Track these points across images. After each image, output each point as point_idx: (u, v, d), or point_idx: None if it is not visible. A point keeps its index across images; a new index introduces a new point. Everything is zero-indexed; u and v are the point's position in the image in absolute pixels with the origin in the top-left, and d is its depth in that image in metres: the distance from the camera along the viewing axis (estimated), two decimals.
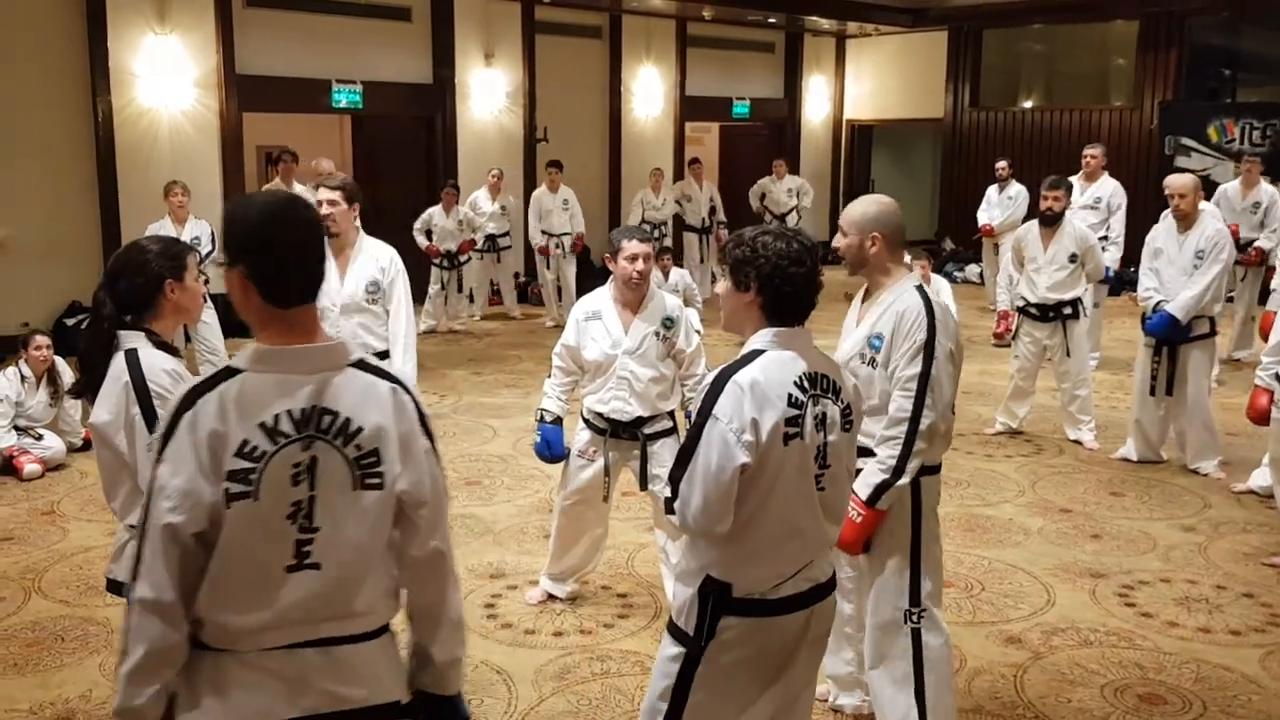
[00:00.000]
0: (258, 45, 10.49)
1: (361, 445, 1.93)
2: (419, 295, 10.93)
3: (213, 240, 8.13)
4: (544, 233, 11.14)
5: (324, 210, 4.52)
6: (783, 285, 2.47)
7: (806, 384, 2.46)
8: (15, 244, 8.81)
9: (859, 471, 3.13)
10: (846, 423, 2.56)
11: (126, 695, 1.88)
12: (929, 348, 3.15)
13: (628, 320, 4.32)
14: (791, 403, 2.43)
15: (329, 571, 1.94)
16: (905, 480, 3.19)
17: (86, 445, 6.61)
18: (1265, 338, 5.58)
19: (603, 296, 4.40)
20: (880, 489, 3.20)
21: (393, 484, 1.98)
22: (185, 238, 7.76)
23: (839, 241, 3.35)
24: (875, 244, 3.27)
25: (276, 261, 1.91)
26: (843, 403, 2.55)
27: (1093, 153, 9.03)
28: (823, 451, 2.50)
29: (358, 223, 4.75)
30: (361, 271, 4.68)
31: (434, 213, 10.56)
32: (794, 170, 14.22)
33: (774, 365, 2.46)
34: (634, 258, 4.23)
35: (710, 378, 2.47)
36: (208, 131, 10.24)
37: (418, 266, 10.53)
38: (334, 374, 1.94)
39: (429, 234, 10.54)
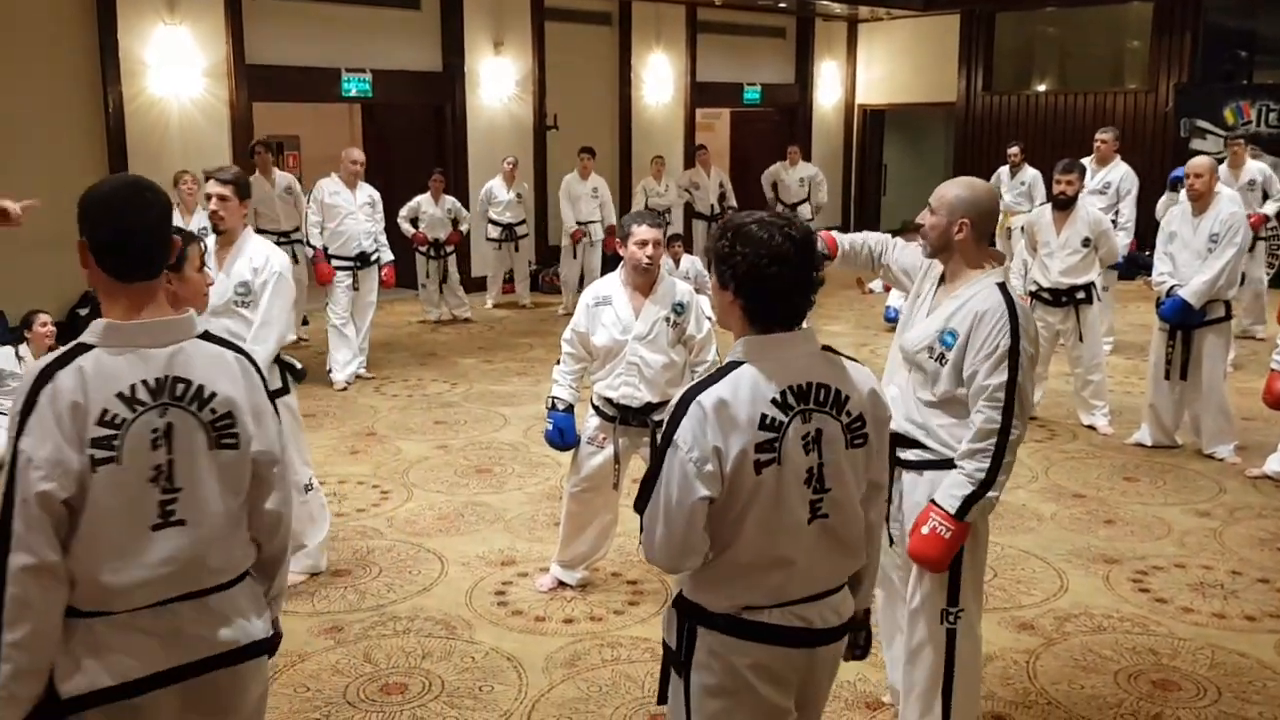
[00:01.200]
0: (267, 35, 10.48)
1: (215, 410, 2.10)
2: (409, 285, 10.96)
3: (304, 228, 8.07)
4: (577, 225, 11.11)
5: (211, 205, 4.40)
6: (761, 286, 2.18)
7: (791, 399, 2.18)
8: (31, 227, 8.82)
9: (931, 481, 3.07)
10: (856, 438, 2.26)
11: (16, 665, 1.95)
12: (1014, 355, 2.93)
13: (638, 305, 4.28)
14: (765, 425, 2.15)
15: (194, 528, 2.09)
16: (996, 494, 2.99)
17: None
18: None
19: (613, 282, 4.36)
20: (969, 501, 2.97)
21: (247, 445, 2.15)
22: (194, 227, 7.75)
23: (924, 218, 3.14)
24: (963, 230, 3.06)
25: (113, 233, 2.06)
26: (849, 415, 2.24)
27: (1104, 137, 8.94)
28: (817, 474, 2.22)
29: (248, 220, 4.62)
30: (235, 271, 4.43)
31: (421, 201, 10.50)
32: (806, 157, 14.14)
33: (747, 381, 2.18)
34: (644, 243, 4.18)
35: (677, 396, 2.23)
36: (218, 121, 10.24)
37: (408, 255, 10.56)
38: (184, 344, 2.10)
39: (415, 222, 10.47)
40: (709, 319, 4.55)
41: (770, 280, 2.16)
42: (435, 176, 10.63)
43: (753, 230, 2.17)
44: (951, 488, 2.99)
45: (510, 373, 8.67)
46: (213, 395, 2.10)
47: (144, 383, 2.03)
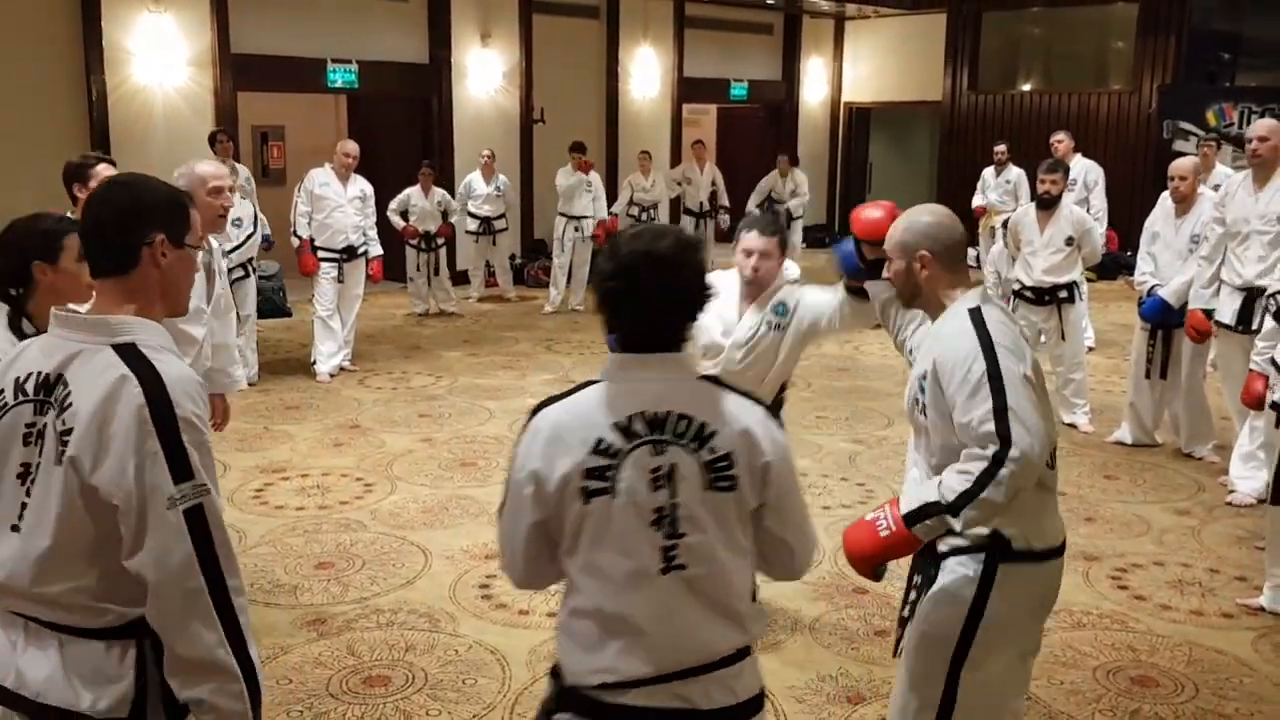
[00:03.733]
0: (253, 24, 10.42)
1: (65, 421, 1.85)
2: (399, 278, 10.94)
3: (256, 223, 7.84)
4: (562, 215, 11.08)
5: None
6: (611, 302, 1.99)
7: (640, 426, 1.93)
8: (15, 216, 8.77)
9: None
10: (721, 480, 1.94)
11: None
12: (994, 377, 2.44)
13: (745, 308, 3.94)
14: (599, 449, 1.92)
15: (27, 540, 1.88)
16: (957, 522, 2.46)
17: None
18: None
19: (731, 277, 3.93)
20: (925, 511, 2.49)
21: (81, 471, 1.83)
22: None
23: (887, 271, 2.81)
24: (926, 266, 2.65)
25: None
26: (712, 452, 1.94)
27: (1058, 138, 9.46)
28: (668, 517, 1.92)
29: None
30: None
31: (411, 193, 10.48)
32: (792, 153, 14.14)
33: (591, 401, 1.98)
34: (748, 253, 3.82)
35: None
36: (202, 111, 10.19)
37: (398, 248, 10.53)
38: (87, 348, 1.89)
39: (405, 215, 10.45)
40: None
41: (615, 296, 1.97)
42: (424, 169, 10.60)
43: (618, 242, 2.01)
44: (919, 488, 2.58)
45: (495, 366, 8.66)
46: (69, 405, 1.86)
47: (35, 374, 1.92)
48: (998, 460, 2.39)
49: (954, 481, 2.46)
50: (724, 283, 3.82)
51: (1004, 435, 2.39)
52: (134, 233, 1.94)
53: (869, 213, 3.24)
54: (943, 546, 2.61)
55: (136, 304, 1.95)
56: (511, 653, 4.02)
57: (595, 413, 1.96)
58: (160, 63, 9.84)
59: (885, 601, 4.46)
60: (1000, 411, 2.41)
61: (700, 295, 1.99)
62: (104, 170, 4.42)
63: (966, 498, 2.43)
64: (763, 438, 1.99)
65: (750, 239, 3.83)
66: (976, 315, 2.56)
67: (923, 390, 2.61)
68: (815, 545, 2.16)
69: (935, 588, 2.63)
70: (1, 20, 8.98)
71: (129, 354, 1.88)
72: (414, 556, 4.91)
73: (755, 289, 3.90)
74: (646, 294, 1.95)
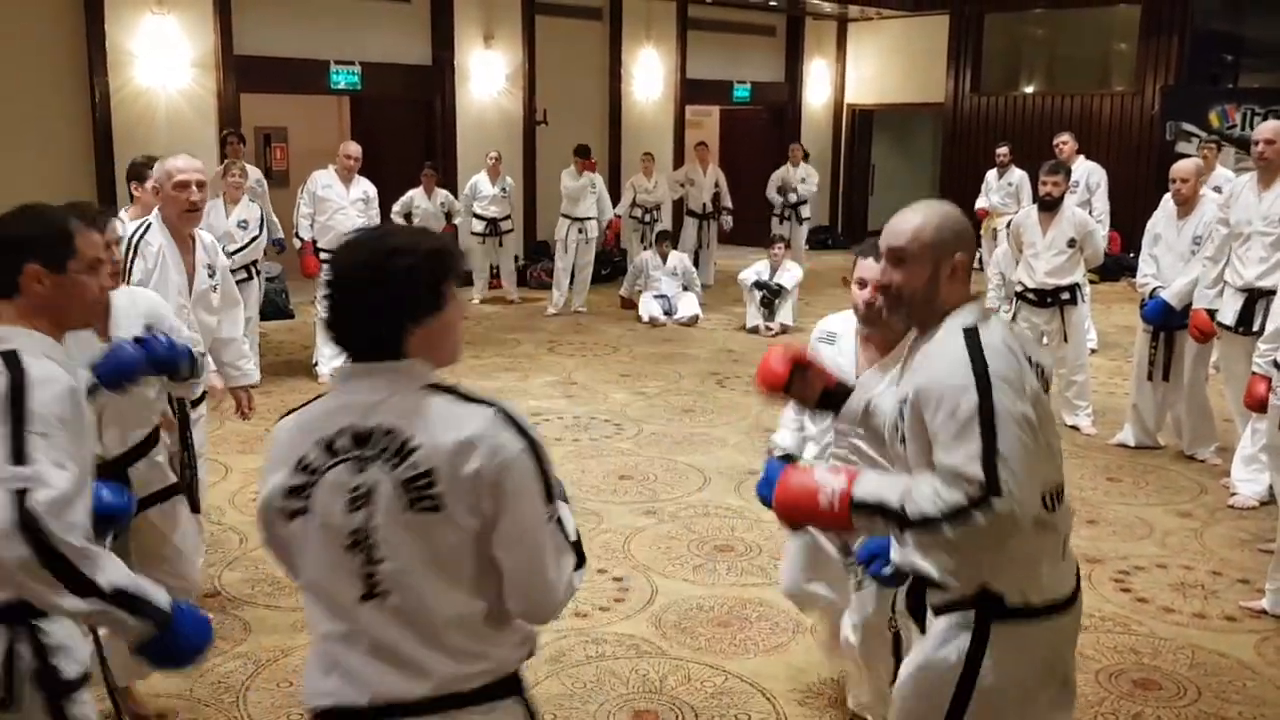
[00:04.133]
0: (256, 25, 10.43)
1: None
2: None
3: (262, 226, 7.80)
4: (566, 217, 11.07)
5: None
6: (325, 305, 1.88)
7: (345, 442, 1.81)
8: None
9: None
10: (422, 500, 1.76)
11: None
12: (985, 416, 2.10)
13: (869, 359, 3.20)
14: (300, 466, 1.83)
15: None
16: (907, 533, 2.20)
17: None
18: None
19: (848, 318, 3.33)
20: (876, 509, 2.19)
21: None
22: (236, 219, 7.63)
23: (888, 277, 2.31)
24: (958, 271, 2.27)
25: None
26: (413, 469, 1.77)
27: (1062, 139, 9.44)
28: (365, 541, 1.79)
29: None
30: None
31: (414, 195, 10.48)
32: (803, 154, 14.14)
33: (313, 413, 1.89)
34: (861, 283, 3.15)
35: None
36: (205, 112, 10.20)
37: None
38: None
39: (408, 216, 10.45)
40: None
41: (328, 300, 1.86)
42: (426, 171, 10.61)
43: (348, 241, 1.90)
44: (883, 481, 2.26)
45: (498, 368, 8.66)
46: None
47: None
48: (976, 503, 2.07)
49: (923, 498, 2.13)
50: (838, 323, 3.33)
51: (991, 484, 2.07)
52: (9, 264, 2.18)
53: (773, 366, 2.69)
54: (932, 599, 2.32)
55: (25, 321, 2.18)
56: None
57: (310, 426, 1.86)
58: (163, 64, 9.85)
59: None
60: (989, 457, 2.08)
61: (413, 298, 1.82)
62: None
63: (926, 522, 2.12)
64: (484, 448, 1.77)
65: (865, 266, 3.11)
66: (973, 339, 2.20)
67: (902, 417, 2.28)
68: (558, 585, 1.85)
69: (919, 653, 2.36)
70: (5, 21, 8.99)
71: (8, 358, 2.08)
72: None
73: (881, 335, 3.12)
74: (351, 301, 1.83)
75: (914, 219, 2.30)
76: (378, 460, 1.79)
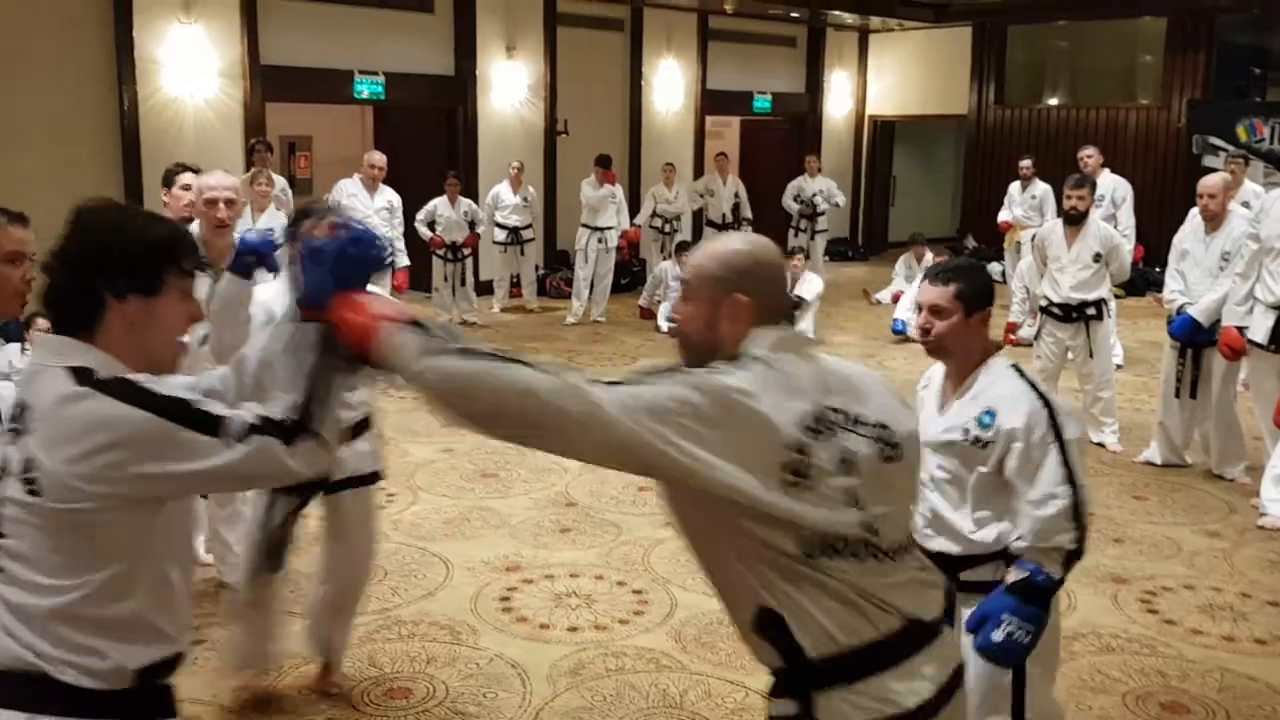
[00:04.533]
0: (281, 35, 10.49)
1: None
2: (425, 287, 10.98)
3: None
4: (585, 226, 11.06)
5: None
6: None
7: (14, 414, 1.88)
8: (46, 227, 8.84)
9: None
10: (29, 482, 1.76)
11: None
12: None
13: (948, 397, 2.97)
14: None
15: None
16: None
17: None
18: None
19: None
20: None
21: None
22: (262, 225, 7.65)
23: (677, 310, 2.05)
24: (740, 311, 1.95)
25: None
26: (25, 451, 1.77)
27: (1088, 153, 9.32)
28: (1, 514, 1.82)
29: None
30: None
31: (438, 204, 10.50)
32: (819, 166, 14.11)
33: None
34: (917, 307, 3.01)
35: None
36: (231, 121, 10.25)
37: (423, 259, 10.56)
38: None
39: (432, 225, 10.47)
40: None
41: (48, 262, 1.93)
42: (450, 180, 10.63)
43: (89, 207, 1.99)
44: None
45: None
46: None
47: None
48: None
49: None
50: (937, 369, 3.05)
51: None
52: None
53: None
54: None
55: None
56: (532, 667, 4.00)
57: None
58: (190, 73, 9.89)
59: None
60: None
61: (124, 269, 1.84)
62: (187, 178, 4.73)
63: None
64: (74, 421, 1.73)
65: (923, 288, 2.94)
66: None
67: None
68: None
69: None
70: (35, 29, 9.05)
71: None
72: (435, 568, 4.89)
73: (953, 367, 2.93)
74: (59, 262, 1.89)
75: (705, 250, 2.06)
76: (21, 436, 1.78)
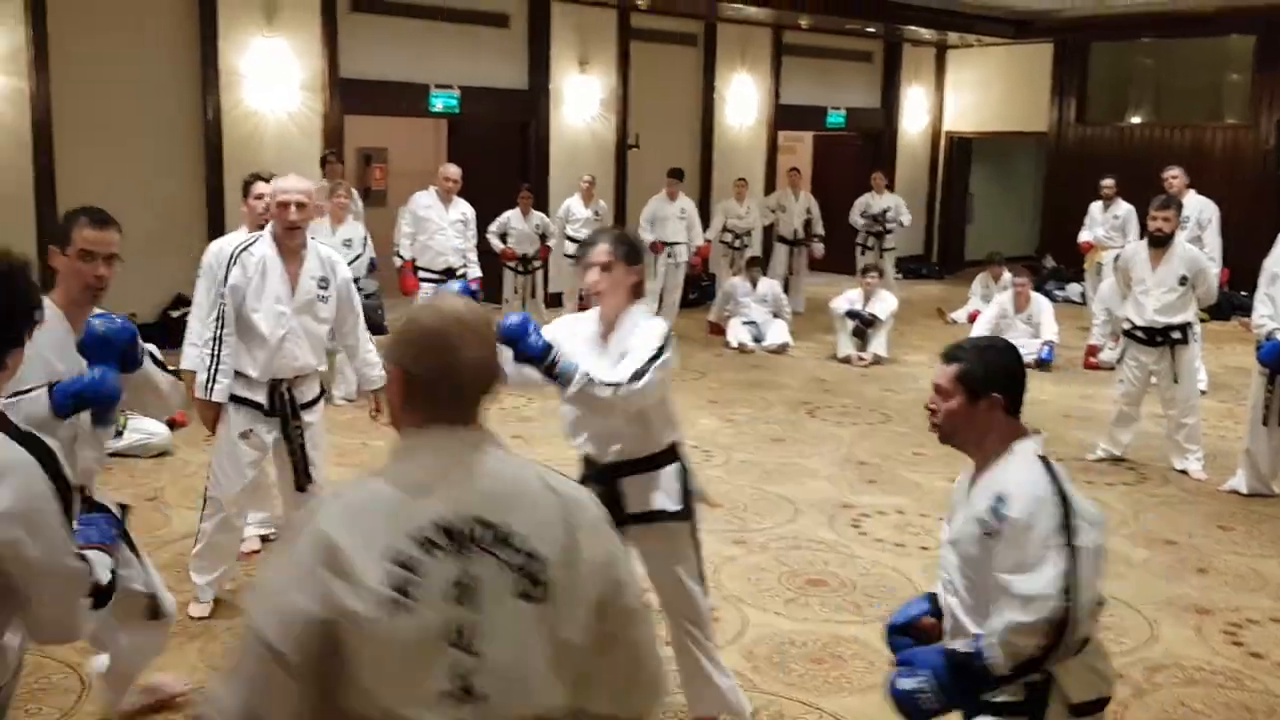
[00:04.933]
0: (361, 49, 10.66)
1: None
2: (495, 299, 11.05)
3: (364, 245, 8.07)
4: (657, 240, 11.09)
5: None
6: None
7: None
8: (131, 230, 9.08)
9: None
10: None
11: None
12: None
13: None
14: None
15: None
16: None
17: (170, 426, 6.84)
18: None
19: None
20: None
21: None
22: (341, 237, 7.82)
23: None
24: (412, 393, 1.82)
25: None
26: None
27: (1173, 174, 9.11)
28: None
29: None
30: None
31: (510, 216, 10.58)
32: (890, 182, 13.97)
33: None
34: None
35: None
36: (310, 133, 10.43)
37: (493, 270, 10.62)
38: None
39: (504, 237, 10.54)
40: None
41: None
42: (523, 192, 10.71)
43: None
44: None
45: None
46: None
47: None
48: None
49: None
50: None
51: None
52: None
53: None
54: None
55: None
56: None
57: None
58: (272, 85, 10.09)
59: None
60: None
61: None
62: (261, 187, 4.97)
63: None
64: None
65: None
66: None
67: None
68: None
69: None
70: (126, 41, 9.30)
71: None
72: None
73: (967, 454, 2.76)
74: None
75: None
76: None
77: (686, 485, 3.49)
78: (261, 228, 4.75)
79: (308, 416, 4.52)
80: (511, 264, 10.57)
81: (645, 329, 3.32)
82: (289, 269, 4.40)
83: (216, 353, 4.33)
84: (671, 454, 3.47)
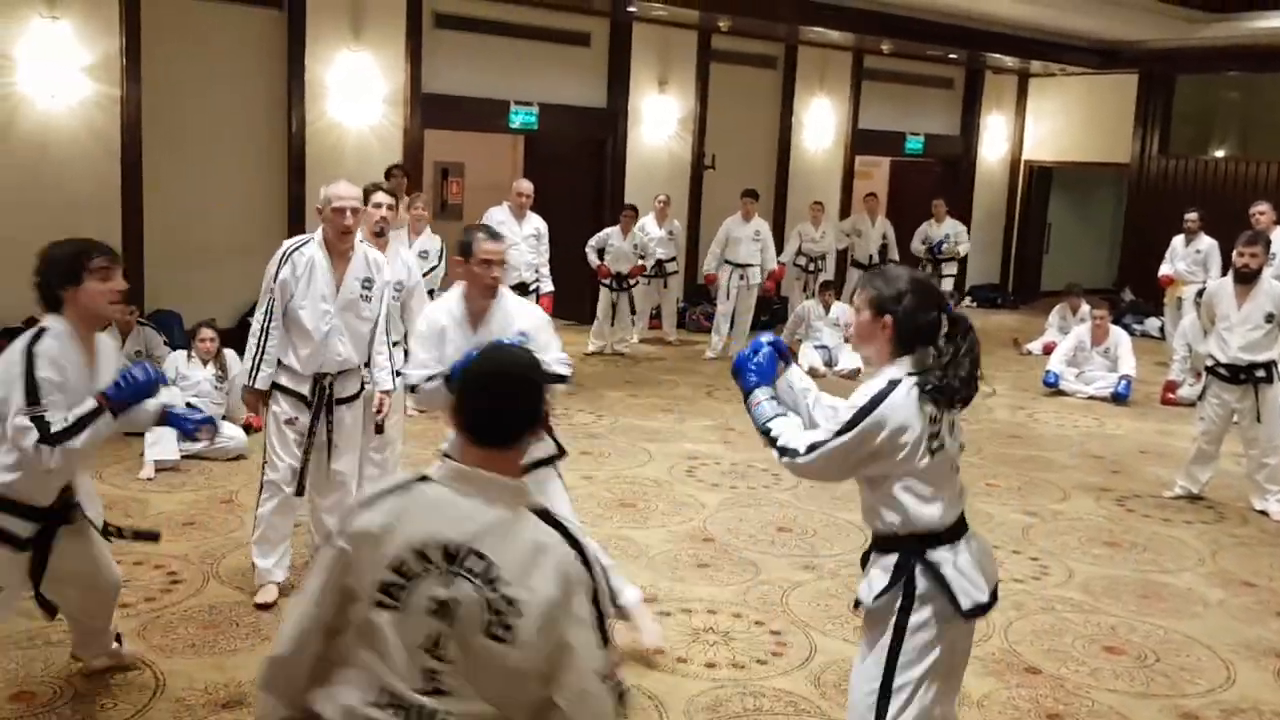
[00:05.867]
0: (443, 65, 10.83)
1: None
2: (588, 316, 11.14)
3: (440, 256, 8.29)
4: (728, 262, 11.10)
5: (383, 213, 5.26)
6: None
7: None
8: (212, 236, 9.31)
9: None
10: None
11: None
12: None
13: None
14: None
15: None
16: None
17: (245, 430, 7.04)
18: None
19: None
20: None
21: None
22: (419, 248, 8.00)
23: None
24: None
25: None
26: None
27: (1260, 209, 9.11)
28: None
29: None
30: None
31: (611, 233, 10.68)
32: (967, 209, 13.83)
33: None
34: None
35: None
36: (391, 146, 10.60)
37: (585, 287, 10.72)
38: None
39: (601, 254, 10.63)
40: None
41: None
42: (627, 212, 10.82)
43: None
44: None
45: (655, 409, 8.69)
46: None
47: None
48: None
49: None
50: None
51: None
52: None
53: None
54: None
55: None
56: (670, 700, 3.98)
57: None
58: (356, 98, 10.29)
59: (1059, 683, 4.25)
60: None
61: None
62: (379, 197, 5.37)
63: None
64: None
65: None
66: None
67: None
68: None
69: None
70: (216, 52, 9.53)
71: None
72: None
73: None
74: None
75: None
76: None
77: None
78: (379, 234, 5.25)
79: (343, 411, 4.80)
80: (606, 281, 10.66)
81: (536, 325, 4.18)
82: (336, 269, 4.71)
83: (262, 343, 4.69)
84: None
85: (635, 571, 5.23)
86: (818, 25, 12.33)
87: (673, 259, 11.38)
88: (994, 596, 2.87)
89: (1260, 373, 6.42)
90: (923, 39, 13.27)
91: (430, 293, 8.07)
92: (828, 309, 10.92)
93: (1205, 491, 6.81)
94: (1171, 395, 9.44)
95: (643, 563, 5.36)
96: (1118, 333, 10.10)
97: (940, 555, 2.80)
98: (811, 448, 2.80)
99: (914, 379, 2.78)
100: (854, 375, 10.37)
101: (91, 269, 3.39)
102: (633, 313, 10.84)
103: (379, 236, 5.29)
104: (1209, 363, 6.64)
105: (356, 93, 10.29)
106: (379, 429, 5.10)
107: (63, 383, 3.34)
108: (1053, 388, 9.84)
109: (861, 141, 14.60)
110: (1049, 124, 16.33)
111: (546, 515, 2.09)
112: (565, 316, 11.13)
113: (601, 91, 12.20)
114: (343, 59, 10.20)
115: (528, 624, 1.98)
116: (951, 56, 14.69)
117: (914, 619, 2.78)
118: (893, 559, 2.83)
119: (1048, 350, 10.94)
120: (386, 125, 10.58)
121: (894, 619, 2.79)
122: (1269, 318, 6.38)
